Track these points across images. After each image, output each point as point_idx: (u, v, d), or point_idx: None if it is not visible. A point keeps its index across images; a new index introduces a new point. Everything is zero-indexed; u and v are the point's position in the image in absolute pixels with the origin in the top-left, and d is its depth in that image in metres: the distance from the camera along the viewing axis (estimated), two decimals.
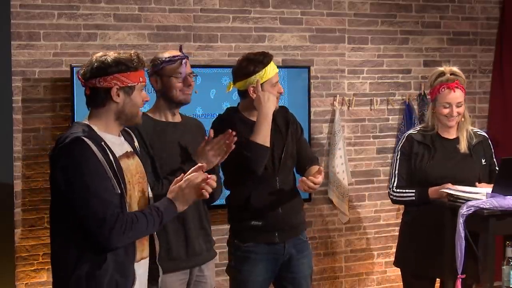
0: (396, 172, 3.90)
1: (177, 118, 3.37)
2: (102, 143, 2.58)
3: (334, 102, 5.17)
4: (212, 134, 3.21)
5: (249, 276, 3.55)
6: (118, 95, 2.64)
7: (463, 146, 3.86)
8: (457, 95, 3.80)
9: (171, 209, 2.66)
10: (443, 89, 3.82)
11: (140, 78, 2.69)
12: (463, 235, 3.49)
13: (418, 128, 3.97)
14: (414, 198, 3.81)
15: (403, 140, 3.93)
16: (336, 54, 5.20)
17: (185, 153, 3.26)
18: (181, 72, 3.26)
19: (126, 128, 2.85)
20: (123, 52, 2.70)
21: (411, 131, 3.97)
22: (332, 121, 5.16)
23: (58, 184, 2.56)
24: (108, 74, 2.62)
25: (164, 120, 3.32)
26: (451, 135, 3.91)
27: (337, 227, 5.28)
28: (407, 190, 3.83)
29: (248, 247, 3.55)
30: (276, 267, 3.60)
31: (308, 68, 4.99)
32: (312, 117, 5.02)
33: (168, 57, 3.29)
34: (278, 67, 4.85)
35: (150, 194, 2.85)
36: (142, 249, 2.74)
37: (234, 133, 3.20)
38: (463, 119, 3.88)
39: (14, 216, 4.41)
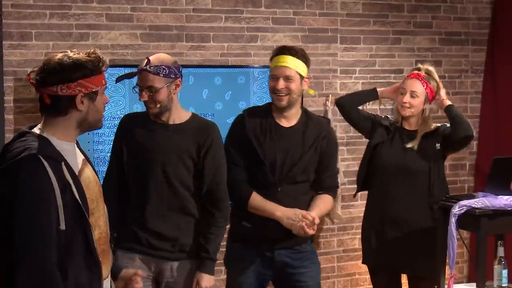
0: None
1: (174, 120, 3.28)
2: (62, 163, 2.28)
3: (327, 102, 5.17)
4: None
5: (238, 277, 3.50)
6: (82, 103, 2.35)
7: (414, 142, 3.87)
8: (413, 84, 3.84)
9: None
10: (406, 77, 3.92)
11: (103, 80, 2.43)
12: (455, 234, 3.51)
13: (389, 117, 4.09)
14: None
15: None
16: (328, 54, 5.20)
17: (155, 160, 3.21)
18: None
19: None
20: (80, 52, 2.40)
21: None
22: None
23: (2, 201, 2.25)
24: (72, 80, 2.32)
25: (154, 121, 3.29)
26: (412, 127, 3.94)
27: (329, 227, 5.28)
28: None
29: (237, 248, 3.52)
30: (268, 272, 3.50)
31: None
32: None
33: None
34: None
35: (105, 207, 2.60)
36: (108, 265, 2.58)
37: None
38: (425, 120, 3.90)
39: None
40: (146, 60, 3.18)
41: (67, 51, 2.38)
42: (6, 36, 4.37)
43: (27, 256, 2.19)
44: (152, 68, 3.14)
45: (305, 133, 3.48)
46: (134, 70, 3.24)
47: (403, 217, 3.81)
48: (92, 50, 2.39)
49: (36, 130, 2.38)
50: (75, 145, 2.46)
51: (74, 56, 2.34)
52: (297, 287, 3.50)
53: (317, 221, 3.38)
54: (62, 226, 2.23)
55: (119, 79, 3.27)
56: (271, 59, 3.50)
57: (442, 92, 3.92)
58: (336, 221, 5.23)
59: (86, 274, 2.33)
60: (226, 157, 3.38)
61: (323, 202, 3.54)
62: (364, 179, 4.01)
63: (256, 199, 3.41)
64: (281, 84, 3.39)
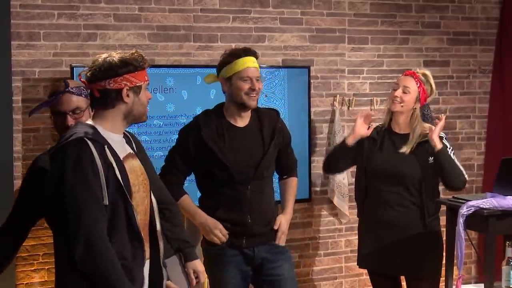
0: None
1: None
2: (106, 146, 2.52)
3: (334, 102, 5.17)
4: None
5: (220, 277, 3.55)
6: (128, 96, 2.61)
7: (407, 146, 3.85)
8: (406, 79, 3.87)
9: None
10: (401, 75, 3.98)
11: (146, 76, 2.68)
12: (463, 235, 3.50)
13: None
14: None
15: None
16: (336, 54, 5.20)
17: None
18: None
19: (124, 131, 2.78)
20: (124, 52, 2.68)
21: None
22: (332, 121, 5.16)
23: (51, 182, 2.49)
24: (118, 75, 2.59)
25: None
26: (401, 130, 3.93)
27: (337, 227, 5.28)
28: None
29: (217, 250, 3.54)
30: (248, 269, 3.57)
31: (308, 68, 4.98)
32: (312, 117, 5.02)
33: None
34: (278, 67, 4.88)
35: (154, 200, 2.76)
36: (146, 249, 2.67)
37: None
38: (415, 120, 3.89)
39: None
40: (64, 84, 3.01)
41: (111, 52, 2.66)
42: (14, 36, 4.38)
43: (81, 232, 2.41)
44: (74, 89, 2.98)
45: (262, 131, 3.58)
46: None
47: (396, 221, 3.82)
48: (134, 51, 2.68)
49: (88, 122, 2.65)
50: (122, 138, 2.69)
51: (119, 54, 2.63)
52: (275, 281, 3.57)
53: (285, 228, 3.63)
54: (105, 202, 2.46)
55: (34, 110, 3.03)
56: (231, 61, 3.50)
57: (435, 134, 3.76)
58: (343, 221, 5.23)
59: (130, 249, 2.53)
60: (168, 159, 3.55)
61: (293, 191, 3.77)
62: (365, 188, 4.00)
63: (186, 201, 3.55)
64: (256, 84, 3.49)
